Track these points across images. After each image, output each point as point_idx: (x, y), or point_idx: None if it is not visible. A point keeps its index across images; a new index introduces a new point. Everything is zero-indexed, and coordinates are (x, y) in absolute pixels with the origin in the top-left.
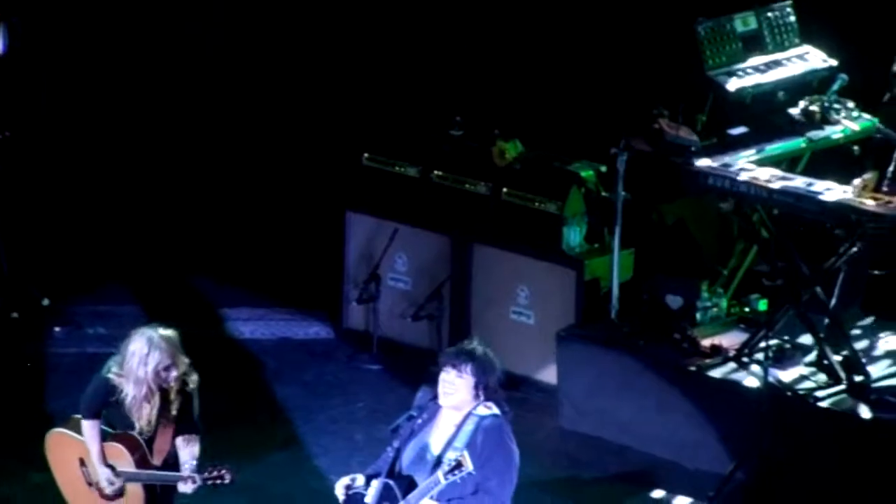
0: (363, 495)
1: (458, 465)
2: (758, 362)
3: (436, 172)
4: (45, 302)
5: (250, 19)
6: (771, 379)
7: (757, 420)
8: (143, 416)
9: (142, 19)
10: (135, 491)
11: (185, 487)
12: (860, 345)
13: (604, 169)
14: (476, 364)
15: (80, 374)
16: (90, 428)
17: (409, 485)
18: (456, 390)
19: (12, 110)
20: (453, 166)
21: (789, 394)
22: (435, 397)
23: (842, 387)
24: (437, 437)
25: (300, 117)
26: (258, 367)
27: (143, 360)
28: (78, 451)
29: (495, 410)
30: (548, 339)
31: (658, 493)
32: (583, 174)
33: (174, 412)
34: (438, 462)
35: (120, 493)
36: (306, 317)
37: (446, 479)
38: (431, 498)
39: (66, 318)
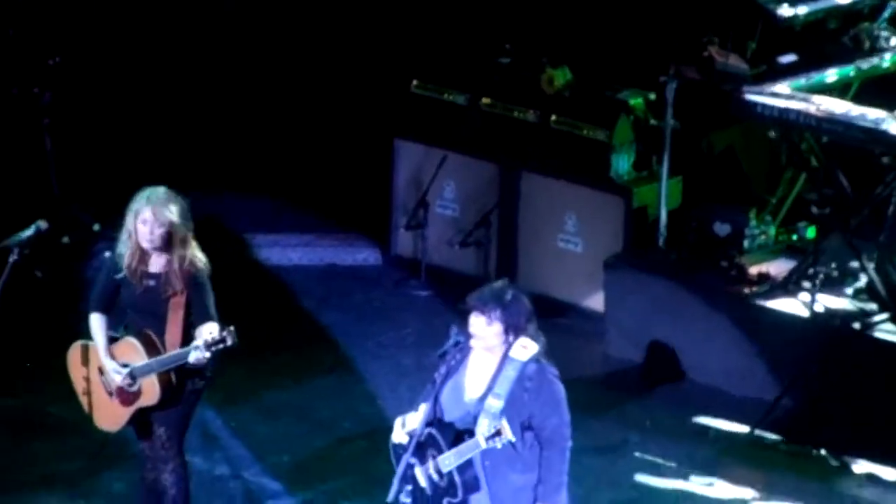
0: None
1: (498, 433)
2: (805, 290)
3: (484, 100)
4: (96, 227)
5: None
6: (818, 306)
7: (803, 347)
8: (139, 277)
9: None
10: (149, 385)
11: (191, 358)
12: None
13: (653, 97)
14: (504, 310)
15: None
16: (95, 321)
17: (450, 432)
18: (485, 335)
19: (62, 35)
20: (502, 94)
21: (836, 321)
22: (468, 336)
23: (889, 314)
24: (473, 378)
25: (349, 43)
26: (306, 293)
27: (131, 208)
28: (97, 360)
29: (532, 350)
30: (595, 266)
31: (704, 420)
32: (632, 102)
33: (178, 293)
34: (478, 408)
35: (137, 392)
36: (354, 243)
37: (487, 444)
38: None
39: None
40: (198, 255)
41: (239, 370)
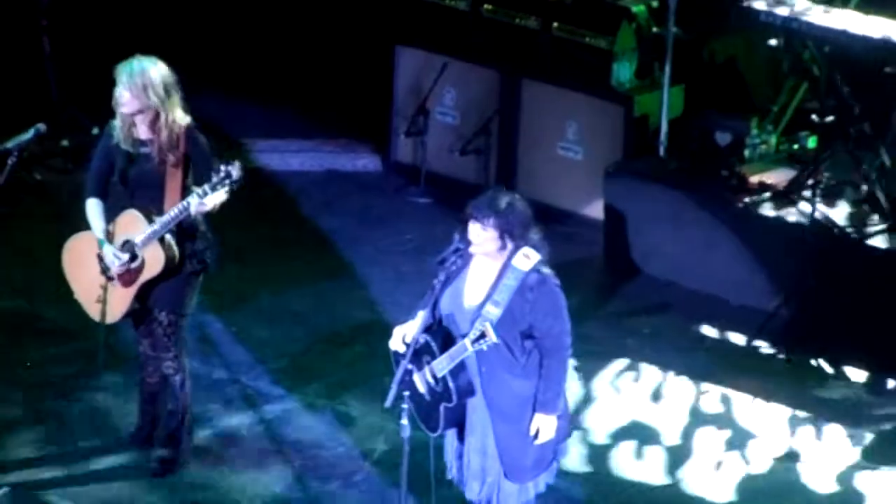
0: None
1: (483, 335)
2: (805, 199)
3: (486, 6)
4: (95, 130)
5: None
6: (818, 216)
7: (802, 257)
8: (132, 143)
9: None
10: (152, 257)
11: (195, 205)
12: None
13: (655, 4)
14: (498, 216)
15: None
16: (90, 206)
17: (444, 338)
18: (482, 241)
19: None
20: (503, 0)
21: (836, 231)
22: (468, 244)
23: (888, 224)
24: (473, 286)
25: None
26: (306, 199)
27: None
28: (94, 246)
29: (534, 260)
30: (595, 174)
31: (703, 329)
32: (634, 9)
33: (173, 159)
34: (476, 315)
35: (140, 267)
36: (354, 149)
37: (472, 347)
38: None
39: None
40: (182, 115)
41: (238, 275)
